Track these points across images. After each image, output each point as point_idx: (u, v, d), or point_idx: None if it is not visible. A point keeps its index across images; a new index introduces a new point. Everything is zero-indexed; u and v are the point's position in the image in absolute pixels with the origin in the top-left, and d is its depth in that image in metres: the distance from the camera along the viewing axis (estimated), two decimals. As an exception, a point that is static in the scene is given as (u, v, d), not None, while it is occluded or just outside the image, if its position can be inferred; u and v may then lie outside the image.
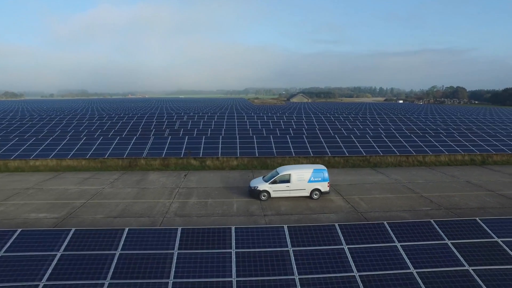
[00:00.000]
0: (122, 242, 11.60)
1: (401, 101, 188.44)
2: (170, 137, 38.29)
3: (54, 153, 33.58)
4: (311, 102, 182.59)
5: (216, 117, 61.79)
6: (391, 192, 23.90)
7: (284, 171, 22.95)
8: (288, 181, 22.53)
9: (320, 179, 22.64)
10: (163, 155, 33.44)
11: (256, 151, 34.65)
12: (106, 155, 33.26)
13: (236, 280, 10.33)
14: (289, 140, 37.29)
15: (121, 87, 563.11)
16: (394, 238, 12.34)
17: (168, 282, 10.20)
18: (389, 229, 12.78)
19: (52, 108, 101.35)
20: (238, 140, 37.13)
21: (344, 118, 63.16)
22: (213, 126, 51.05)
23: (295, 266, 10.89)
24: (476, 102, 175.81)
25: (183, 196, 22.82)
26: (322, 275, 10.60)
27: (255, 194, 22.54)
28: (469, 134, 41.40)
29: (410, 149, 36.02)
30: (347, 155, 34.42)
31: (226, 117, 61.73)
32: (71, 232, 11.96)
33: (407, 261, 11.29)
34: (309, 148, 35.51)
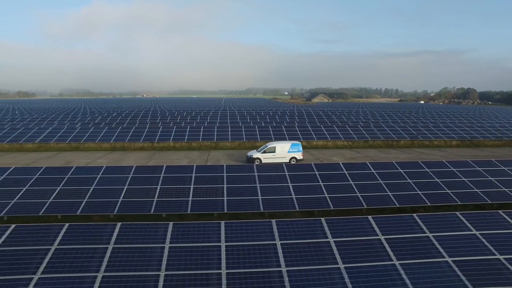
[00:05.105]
0: (194, 171, 21.72)
1: (422, 102, 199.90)
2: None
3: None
4: (333, 103, 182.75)
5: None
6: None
7: (271, 144, 33.41)
8: (274, 151, 32.50)
9: (296, 150, 32.36)
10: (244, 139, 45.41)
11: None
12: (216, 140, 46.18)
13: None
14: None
15: (121, 86, 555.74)
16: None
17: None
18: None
19: (96, 107, 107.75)
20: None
21: (423, 116, 76.53)
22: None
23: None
24: (489, 102, 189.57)
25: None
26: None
27: (251, 160, 32.09)
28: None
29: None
30: (481, 138, 48.29)
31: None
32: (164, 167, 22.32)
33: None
34: (429, 135, 49.66)
